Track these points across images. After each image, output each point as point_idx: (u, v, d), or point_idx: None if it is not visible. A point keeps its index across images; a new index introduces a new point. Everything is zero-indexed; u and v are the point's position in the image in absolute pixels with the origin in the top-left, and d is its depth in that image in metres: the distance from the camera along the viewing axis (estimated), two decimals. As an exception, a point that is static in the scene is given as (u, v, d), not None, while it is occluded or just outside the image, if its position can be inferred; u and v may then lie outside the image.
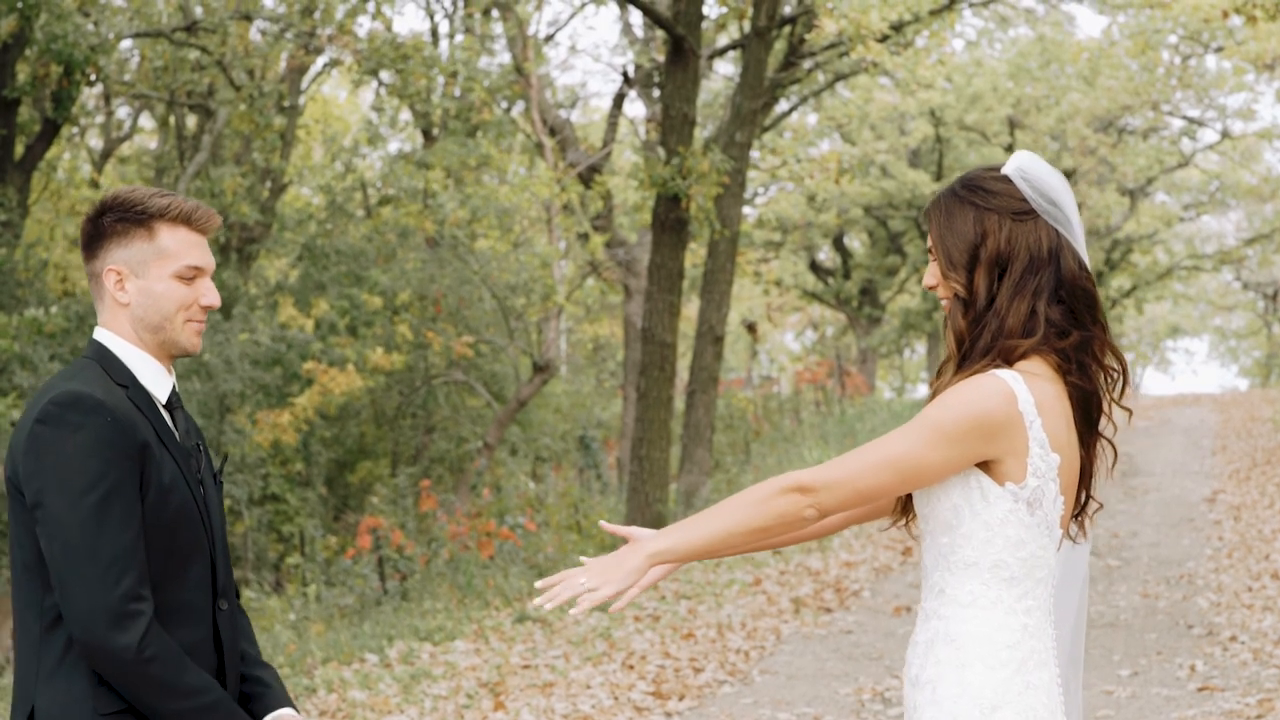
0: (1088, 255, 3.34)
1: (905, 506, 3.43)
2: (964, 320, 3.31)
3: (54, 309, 15.45)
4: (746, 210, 31.88)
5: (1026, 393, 3.20)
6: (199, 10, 20.09)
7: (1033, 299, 3.26)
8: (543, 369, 21.83)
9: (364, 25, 20.53)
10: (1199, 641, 10.55)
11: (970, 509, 3.26)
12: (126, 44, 21.78)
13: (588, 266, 24.78)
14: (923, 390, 49.85)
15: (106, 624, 3.24)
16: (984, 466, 3.24)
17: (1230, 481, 18.55)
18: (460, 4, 25.33)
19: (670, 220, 16.13)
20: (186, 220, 3.48)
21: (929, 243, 3.39)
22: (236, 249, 24.50)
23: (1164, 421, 26.27)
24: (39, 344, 16.78)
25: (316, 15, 19.13)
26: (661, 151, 15.92)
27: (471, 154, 21.58)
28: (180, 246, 3.47)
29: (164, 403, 3.50)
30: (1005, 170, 3.33)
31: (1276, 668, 9.60)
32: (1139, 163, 38.50)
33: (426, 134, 24.83)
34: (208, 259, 3.51)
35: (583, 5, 24.38)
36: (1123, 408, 3.38)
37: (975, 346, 3.29)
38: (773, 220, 35.56)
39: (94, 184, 26.23)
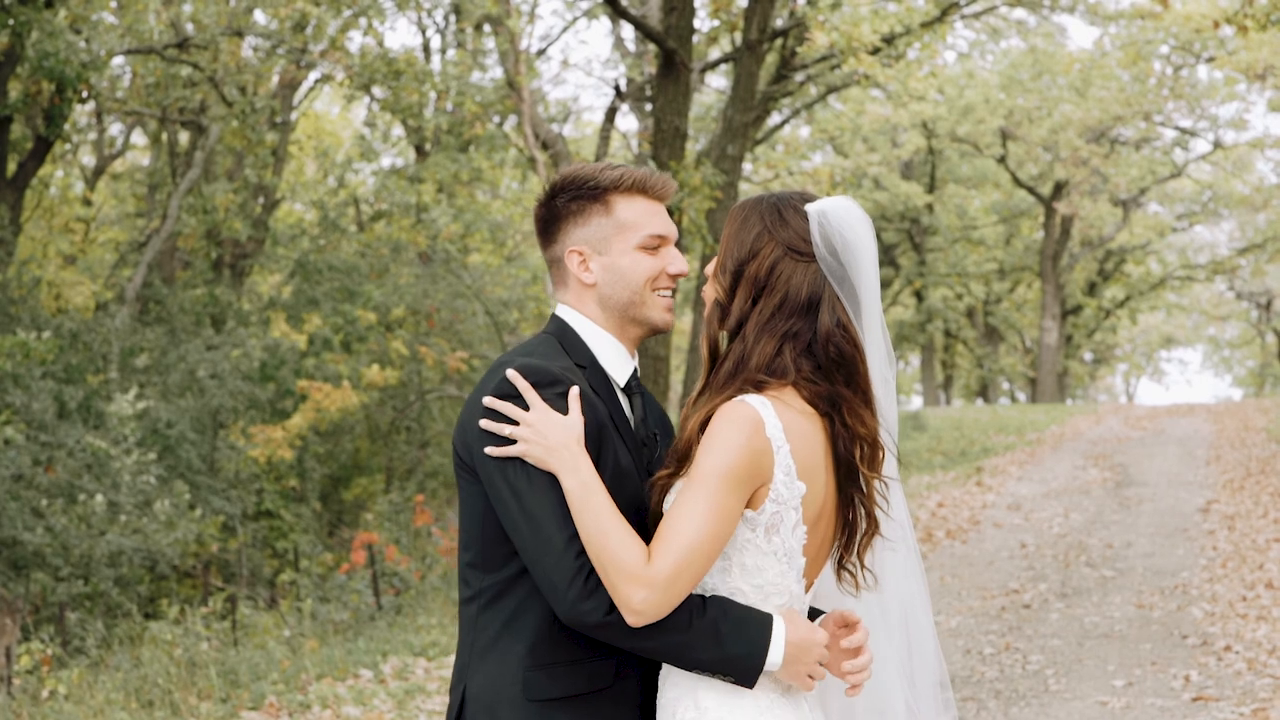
0: (881, 323, 3.25)
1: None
2: (718, 328, 3.28)
3: (45, 333, 15.43)
4: (739, 223, 31.86)
5: (775, 418, 3.13)
6: (190, 27, 20.12)
7: (780, 341, 3.20)
8: (536, 383, 21.81)
9: (356, 41, 20.59)
10: (1194, 652, 10.54)
11: None
12: (118, 61, 21.80)
13: (581, 280, 24.75)
14: (916, 402, 49.83)
15: (576, 599, 3.09)
16: None
17: (1224, 491, 18.54)
18: (452, 19, 25.38)
19: (663, 234, 16.13)
20: (642, 189, 3.35)
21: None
22: (229, 264, 24.50)
23: (1158, 432, 26.28)
24: (31, 363, 16.74)
25: (308, 31, 19.17)
26: (653, 165, 15.93)
27: (464, 169, 21.61)
28: (640, 216, 3.34)
29: (622, 386, 3.37)
30: (809, 206, 3.27)
31: (1271, 677, 9.60)
32: (1131, 173, 38.56)
33: (419, 149, 24.86)
34: (670, 226, 3.36)
35: (575, 20, 24.42)
36: (880, 478, 3.27)
37: (721, 369, 3.23)
38: (766, 233, 35.59)
39: (86, 201, 26.23)
